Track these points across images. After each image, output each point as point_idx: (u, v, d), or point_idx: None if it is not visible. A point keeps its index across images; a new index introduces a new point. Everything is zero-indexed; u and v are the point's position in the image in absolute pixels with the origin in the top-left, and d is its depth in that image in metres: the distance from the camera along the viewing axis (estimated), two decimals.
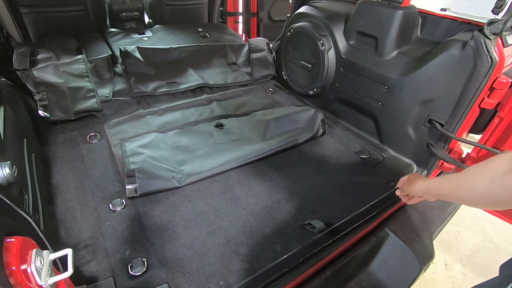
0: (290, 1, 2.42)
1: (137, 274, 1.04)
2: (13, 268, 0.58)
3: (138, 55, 2.11)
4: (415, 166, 1.66)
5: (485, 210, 1.47)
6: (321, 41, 1.93)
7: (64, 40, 2.14)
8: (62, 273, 0.68)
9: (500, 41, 1.29)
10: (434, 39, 1.63)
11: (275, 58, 2.47)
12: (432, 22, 1.63)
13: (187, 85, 2.14)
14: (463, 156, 1.55)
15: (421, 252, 1.26)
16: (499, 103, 1.35)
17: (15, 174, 0.87)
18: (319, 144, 1.77)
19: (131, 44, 2.29)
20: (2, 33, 2.06)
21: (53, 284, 0.66)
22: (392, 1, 1.58)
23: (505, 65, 1.29)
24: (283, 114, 1.85)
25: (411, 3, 1.59)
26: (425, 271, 1.26)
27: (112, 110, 1.85)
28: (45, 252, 0.68)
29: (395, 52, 1.64)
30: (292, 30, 2.16)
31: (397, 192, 1.05)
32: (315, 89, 2.11)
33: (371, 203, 1.39)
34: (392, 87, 1.63)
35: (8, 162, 0.86)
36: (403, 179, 1.01)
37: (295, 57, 2.23)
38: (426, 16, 1.64)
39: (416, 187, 0.91)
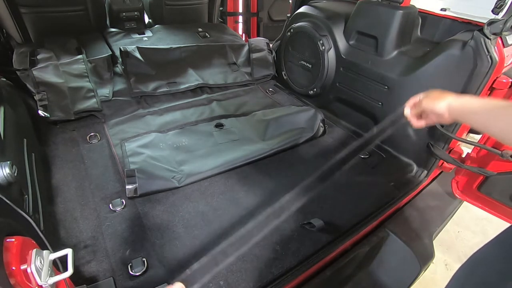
0: (290, 1, 2.42)
1: (137, 274, 1.04)
2: (13, 268, 0.58)
3: (138, 55, 2.11)
4: (415, 166, 1.66)
5: (485, 210, 1.47)
6: (321, 41, 1.93)
7: (64, 40, 2.14)
8: (62, 273, 0.68)
9: (500, 41, 1.29)
10: (434, 39, 1.63)
11: (275, 58, 2.47)
12: (432, 22, 1.63)
13: (187, 85, 2.14)
14: (463, 156, 1.54)
15: (421, 252, 1.26)
16: None
17: (15, 174, 0.87)
18: (319, 144, 1.77)
19: (131, 44, 2.29)
20: (2, 33, 2.06)
21: (53, 284, 0.66)
22: (392, 1, 1.58)
23: (505, 65, 1.29)
24: (283, 114, 1.85)
25: (411, 3, 1.59)
26: (425, 271, 1.26)
27: (112, 110, 1.85)
28: (45, 252, 0.68)
29: (395, 52, 1.64)
30: (292, 30, 2.16)
31: (406, 111, 0.94)
32: (315, 89, 2.11)
33: (371, 203, 1.39)
34: (392, 87, 1.63)
35: (8, 162, 0.86)
36: (418, 96, 0.90)
37: (295, 57, 2.23)
38: (426, 16, 1.64)
39: (444, 102, 0.79)
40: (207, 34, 2.63)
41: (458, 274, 0.64)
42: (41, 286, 0.62)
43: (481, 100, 0.70)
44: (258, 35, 3.24)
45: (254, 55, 2.41)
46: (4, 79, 1.73)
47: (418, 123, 0.91)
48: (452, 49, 1.37)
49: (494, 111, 0.64)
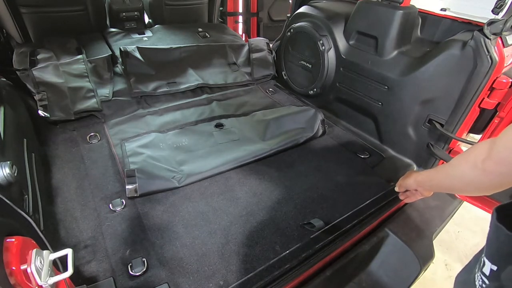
0: (290, 1, 2.42)
1: (137, 274, 1.04)
2: (13, 268, 0.58)
3: (138, 55, 2.11)
4: (415, 166, 1.66)
5: (485, 210, 1.47)
6: (321, 41, 1.93)
7: (64, 40, 2.14)
8: (62, 273, 0.68)
9: (500, 41, 1.29)
10: (434, 39, 1.63)
11: (275, 58, 2.47)
12: (432, 22, 1.63)
13: (187, 85, 2.14)
14: None
15: (421, 252, 1.26)
16: (499, 103, 1.35)
17: (15, 174, 0.87)
18: (319, 144, 1.77)
19: (131, 44, 2.29)
20: (2, 33, 2.06)
21: (53, 284, 0.67)
22: (392, 1, 1.58)
23: (505, 65, 1.29)
24: (283, 114, 1.85)
25: (411, 3, 1.59)
26: (425, 271, 1.27)
27: (112, 110, 1.85)
28: (45, 252, 0.68)
29: (395, 52, 1.64)
30: (292, 30, 2.16)
31: (396, 189, 1.08)
32: (315, 89, 2.11)
33: (371, 203, 1.39)
34: (392, 87, 1.63)
35: (8, 162, 0.86)
36: (402, 177, 1.04)
37: (295, 57, 2.23)
38: (426, 16, 1.64)
39: (411, 179, 0.95)
40: (207, 34, 2.63)
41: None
42: (41, 286, 0.62)
43: (435, 170, 0.84)
44: (258, 35, 3.24)
45: (254, 55, 2.42)
46: (4, 79, 1.73)
47: (407, 199, 1.06)
48: (452, 49, 1.37)
49: (444, 175, 0.77)
